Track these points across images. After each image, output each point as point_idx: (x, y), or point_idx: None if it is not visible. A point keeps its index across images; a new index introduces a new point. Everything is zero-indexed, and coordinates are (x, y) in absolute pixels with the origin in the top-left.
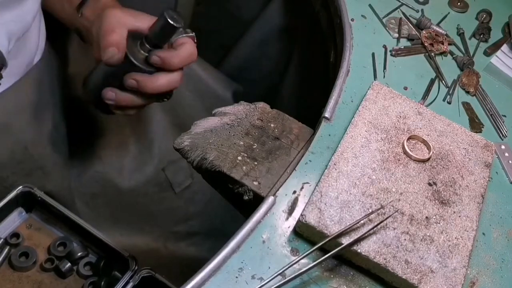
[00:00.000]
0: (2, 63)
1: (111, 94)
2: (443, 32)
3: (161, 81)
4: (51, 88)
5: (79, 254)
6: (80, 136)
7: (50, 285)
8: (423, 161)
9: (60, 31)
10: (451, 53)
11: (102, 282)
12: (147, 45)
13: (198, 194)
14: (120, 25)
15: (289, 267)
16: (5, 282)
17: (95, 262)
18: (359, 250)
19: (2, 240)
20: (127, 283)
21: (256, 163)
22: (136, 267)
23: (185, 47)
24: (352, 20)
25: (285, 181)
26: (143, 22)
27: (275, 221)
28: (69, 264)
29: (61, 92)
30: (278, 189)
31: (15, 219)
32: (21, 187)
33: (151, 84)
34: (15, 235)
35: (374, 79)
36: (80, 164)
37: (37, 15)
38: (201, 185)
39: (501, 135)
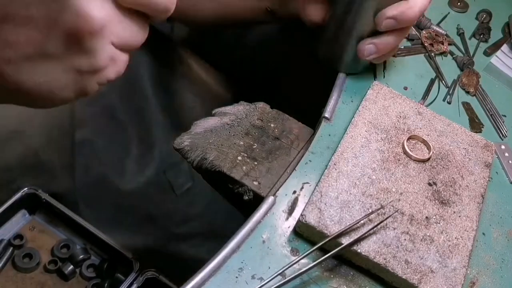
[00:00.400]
0: None
1: (370, 48)
2: (443, 32)
3: (420, 2)
4: None
5: (82, 256)
6: (83, 138)
7: (54, 287)
8: (423, 161)
9: None
10: (451, 53)
11: (106, 284)
12: None
13: (199, 196)
14: None
15: (289, 267)
16: (8, 283)
17: (98, 264)
18: (359, 250)
19: (5, 241)
20: (131, 284)
21: (256, 163)
22: (140, 269)
23: None
24: None
25: (285, 181)
26: None
27: (275, 221)
28: (71, 266)
29: None
30: (278, 189)
31: (19, 221)
32: (26, 189)
33: (412, 12)
34: (19, 236)
35: (374, 79)
36: (82, 166)
37: None
38: (202, 187)
39: (501, 135)
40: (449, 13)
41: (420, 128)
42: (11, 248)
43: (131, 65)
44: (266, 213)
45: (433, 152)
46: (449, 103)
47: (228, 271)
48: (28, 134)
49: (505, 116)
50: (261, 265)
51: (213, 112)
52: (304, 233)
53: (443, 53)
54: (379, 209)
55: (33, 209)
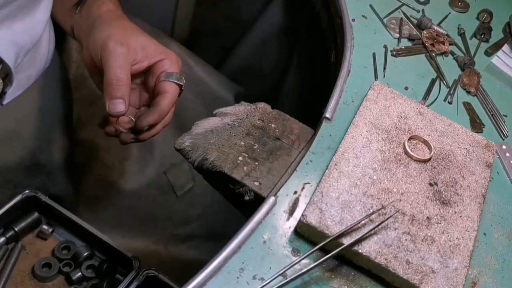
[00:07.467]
0: (8, 81)
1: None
2: (444, 32)
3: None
4: (58, 93)
5: (84, 255)
6: (83, 139)
7: (53, 287)
8: (424, 161)
9: (62, 34)
10: (452, 53)
11: (104, 284)
12: None
13: (199, 197)
14: (127, 66)
15: (290, 267)
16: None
17: (98, 264)
18: (360, 251)
19: (5, 242)
20: (130, 283)
21: (257, 163)
22: (140, 267)
23: (165, 99)
24: (353, 20)
25: (286, 181)
26: (148, 54)
27: (276, 222)
28: (80, 273)
29: (67, 96)
30: (279, 190)
31: (19, 223)
32: (26, 191)
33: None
34: (19, 239)
35: (375, 79)
36: (83, 167)
37: (46, 25)
38: (202, 188)
39: (502, 135)
40: (450, 13)
41: (421, 128)
42: (10, 250)
43: None
44: (267, 213)
45: (434, 152)
46: (450, 103)
47: (229, 271)
48: (26, 135)
49: (506, 116)
50: (262, 265)
51: (214, 112)
52: (305, 234)
53: (444, 53)
54: (380, 209)
55: (34, 211)
